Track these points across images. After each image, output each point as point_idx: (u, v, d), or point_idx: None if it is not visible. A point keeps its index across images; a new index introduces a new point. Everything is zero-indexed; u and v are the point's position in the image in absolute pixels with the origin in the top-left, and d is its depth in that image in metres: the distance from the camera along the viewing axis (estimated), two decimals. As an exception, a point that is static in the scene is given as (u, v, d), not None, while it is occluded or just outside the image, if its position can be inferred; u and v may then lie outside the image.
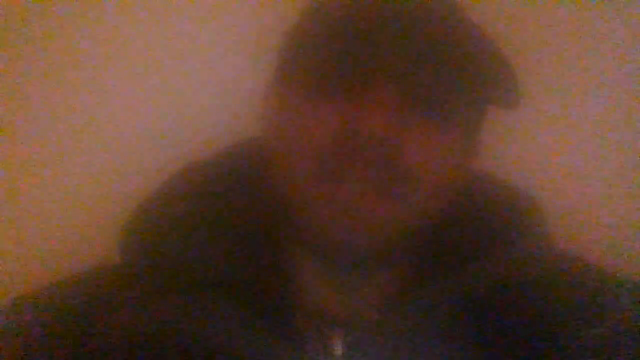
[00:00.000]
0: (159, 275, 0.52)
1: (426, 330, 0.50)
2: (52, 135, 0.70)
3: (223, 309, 0.50)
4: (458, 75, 0.51)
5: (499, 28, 0.58)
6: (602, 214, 0.70)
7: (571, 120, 0.71)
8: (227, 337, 0.49)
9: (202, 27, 0.71)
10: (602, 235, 0.68)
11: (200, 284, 0.51)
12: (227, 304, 0.50)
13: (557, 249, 0.57)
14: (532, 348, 0.50)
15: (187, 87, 0.71)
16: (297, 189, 0.50)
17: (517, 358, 0.50)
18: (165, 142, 0.70)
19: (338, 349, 0.50)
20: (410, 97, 0.49)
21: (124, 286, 0.53)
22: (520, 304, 0.51)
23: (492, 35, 0.54)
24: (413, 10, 0.51)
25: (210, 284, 0.51)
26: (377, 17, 0.50)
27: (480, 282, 0.51)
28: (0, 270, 0.68)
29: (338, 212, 0.49)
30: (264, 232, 0.54)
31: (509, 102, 0.54)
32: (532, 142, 0.71)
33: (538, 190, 0.59)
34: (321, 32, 0.52)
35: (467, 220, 0.55)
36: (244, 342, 0.49)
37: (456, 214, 0.55)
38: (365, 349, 0.50)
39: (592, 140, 0.71)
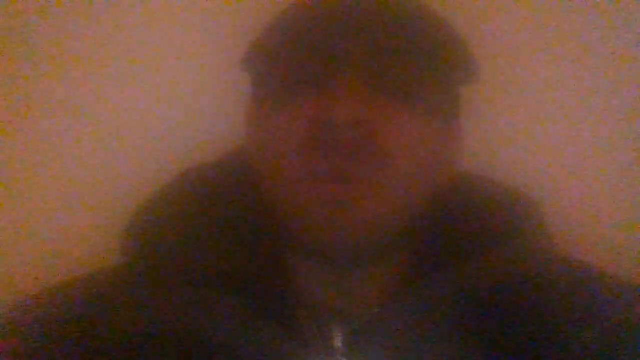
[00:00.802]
0: (160, 275, 0.52)
1: (425, 325, 0.50)
2: (52, 137, 0.70)
3: (223, 306, 0.50)
4: (421, 58, 0.52)
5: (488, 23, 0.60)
6: (601, 214, 0.70)
7: (571, 121, 0.71)
8: (227, 333, 0.49)
9: (203, 27, 0.71)
10: (602, 235, 0.68)
11: (200, 283, 0.51)
12: (227, 301, 0.50)
13: (557, 249, 0.57)
14: (531, 348, 0.50)
15: (187, 89, 0.71)
16: (282, 191, 0.51)
17: (516, 357, 0.50)
18: (166, 143, 0.70)
19: (338, 342, 0.51)
20: (378, 82, 0.50)
21: (125, 286, 0.53)
22: (520, 304, 0.52)
23: (453, 22, 0.56)
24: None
25: (210, 282, 0.51)
26: (339, 7, 0.52)
27: (479, 281, 0.51)
28: (1, 270, 0.68)
29: (325, 208, 0.49)
30: (262, 231, 0.54)
31: (469, 78, 0.57)
32: (532, 143, 0.71)
33: (537, 191, 0.59)
34: (287, 28, 0.54)
35: (467, 221, 0.55)
36: (244, 338, 0.49)
37: (456, 215, 0.55)
38: (365, 343, 0.50)
39: (592, 140, 0.71)
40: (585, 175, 0.70)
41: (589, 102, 0.71)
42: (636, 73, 0.70)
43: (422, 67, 0.52)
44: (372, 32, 0.51)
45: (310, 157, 0.49)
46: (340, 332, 0.51)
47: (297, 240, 0.52)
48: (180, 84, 0.71)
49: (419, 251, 0.54)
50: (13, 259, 0.68)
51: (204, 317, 0.50)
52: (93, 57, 0.71)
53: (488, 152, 0.68)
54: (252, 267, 0.52)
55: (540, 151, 0.71)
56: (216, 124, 0.67)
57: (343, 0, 0.53)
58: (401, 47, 0.51)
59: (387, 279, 0.53)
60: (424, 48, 0.52)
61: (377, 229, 0.50)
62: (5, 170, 0.70)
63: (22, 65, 0.70)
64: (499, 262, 0.52)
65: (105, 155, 0.71)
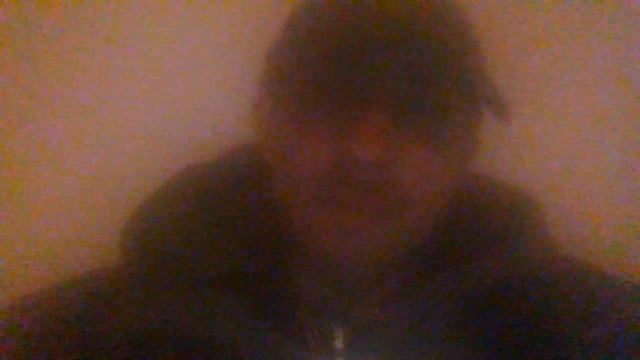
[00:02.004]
0: (160, 275, 0.52)
1: (426, 326, 0.50)
2: (52, 137, 0.70)
3: (224, 306, 0.50)
4: (449, 97, 0.50)
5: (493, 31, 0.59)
6: (601, 214, 0.70)
7: (571, 121, 0.71)
8: (229, 334, 0.49)
9: (203, 28, 0.71)
10: (602, 236, 0.69)
11: (201, 283, 0.51)
12: (228, 301, 0.50)
13: (557, 249, 0.57)
14: (532, 348, 0.50)
15: (187, 88, 0.71)
16: (295, 209, 0.51)
17: (517, 357, 0.50)
18: (166, 143, 0.70)
19: (338, 343, 0.51)
20: (403, 120, 0.49)
21: (125, 286, 0.53)
22: (521, 304, 0.52)
23: (483, 47, 0.54)
24: (404, 30, 0.50)
25: (211, 282, 0.51)
26: (367, 38, 0.49)
27: (480, 282, 0.51)
28: (1, 270, 0.68)
29: (336, 235, 0.49)
30: (264, 232, 0.54)
31: (501, 117, 0.53)
32: (533, 143, 0.71)
33: (538, 192, 0.59)
34: (311, 46, 0.51)
35: (468, 221, 0.55)
36: (245, 339, 0.49)
37: (457, 215, 0.55)
38: (366, 344, 0.50)
39: (592, 141, 0.71)
40: (585, 175, 0.70)
41: (589, 102, 0.71)
42: (636, 73, 0.70)
43: (450, 102, 0.50)
44: (404, 67, 0.48)
45: (328, 186, 0.49)
46: (341, 333, 0.51)
47: (303, 257, 0.52)
48: (180, 83, 0.71)
49: (423, 255, 0.54)
50: (13, 259, 0.68)
51: (205, 317, 0.50)
52: (92, 57, 0.70)
53: (488, 152, 0.68)
54: (252, 267, 0.52)
55: (541, 151, 0.71)
56: (216, 123, 0.67)
57: (373, 28, 0.49)
58: (431, 80, 0.49)
59: (387, 280, 0.53)
60: (455, 87, 0.50)
61: (387, 256, 0.51)
62: (5, 170, 0.70)
63: (22, 65, 0.70)
64: (500, 263, 0.52)
65: (105, 155, 0.70)
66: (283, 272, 0.53)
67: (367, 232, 0.49)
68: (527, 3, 0.71)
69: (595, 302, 0.52)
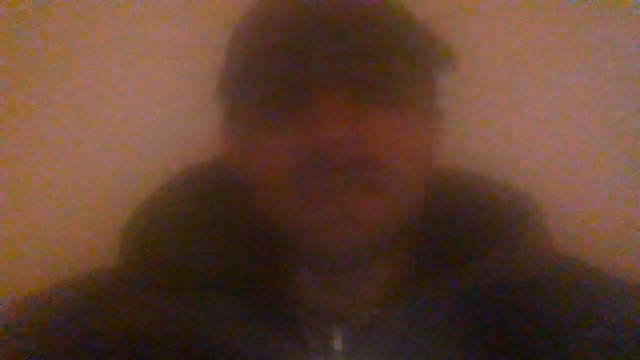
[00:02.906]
0: (159, 276, 0.52)
1: (425, 326, 0.50)
2: (51, 138, 0.70)
3: (223, 307, 0.50)
4: (399, 58, 0.51)
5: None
6: (601, 214, 0.70)
7: (571, 120, 0.71)
8: (227, 335, 0.49)
9: (204, 28, 0.71)
10: (602, 235, 0.68)
11: (200, 284, 0.51)
12: (226, 302, 0.50)
13: (556, 249, 0.57)
14: (531, 348, 0.50)
15: (187, 88, 0.71)
16: (278, 210, 0.51)
17: (516, 358, 0.50)
18: (165, 144, 0.70)
19: (337, 344, 0.51)
20: (361, 92, 0.50)
21: (123, 287, 0.53)
22: (520, 304, 0.52)
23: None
24: (344, 6, 0.51)
25: (210, 283, 0.51)
26: (309, 20, 0.50)
27: (479, 281, 0.51)
28: (0, 271, 0.68)
29: (323, 223, 0.49)
30: (262, 232, 0.54)
31: (449, 65, 0.55)
32: (532, 142, 0.71)
33: (537, 191, 0.59)
34: (258, 43, 0.52)
35: (467, 220, 0.55)
36: (243, 339, 0.49)
37: (455, 213, 0.55)
38: (365, 344, 0.50)
39: (591, 141, 0.71)
40: (585, 175, 0.70)
41: (589, 102, 0.71)
42: (636, 73, 0.70)
43: (402, 67, 0.51)
44: (348, 40, 0.50)
45: (303, 175, 0.49)
46: (340, 333, 0.51)
47: (296, 252, 0.52)
48: (180, 84, 0.71)
49: (419, 252, 0.54)
50: (12, 260, 0.68)
51: (204, 318, 0.50)
52: (92, 56, 0.71)
53: (488, 152, 0.68)
54: (251, 268, 0.52)
55: (540, 151, 0.71)
56: (215, 125, 0.67)
57: (314, 10, 0.51)
58: (378, 50, 0.50)
59: (386, 280, 0.53)
60: (400, 47, 0.52)
61: (376, 234, 0.50)
62: (4, 171, 0.70)
63: (22, 65, 0.70)
64: (499, 263, 0.52)
65: (104, 156, 0.70)
66: (282, 272, 0.53)
67: (353, 212, 0.48)
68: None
69: (594, 302, 0.52)
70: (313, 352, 0.50)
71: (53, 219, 0.70)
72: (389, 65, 0.51)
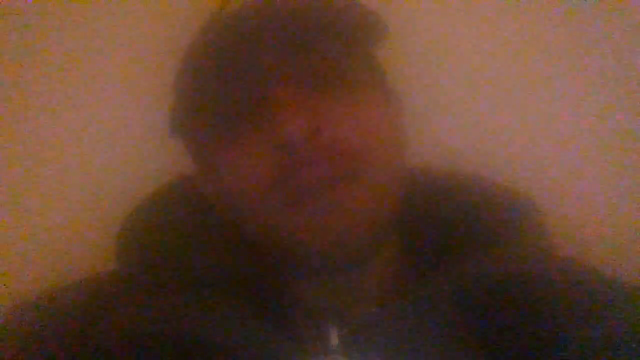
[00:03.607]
0: (157, 278, 0.52)
1: (423, 325, 0.50)
2: (47, 142, 0.70)
3: (220, 308, 0.50)
4: (336, 39, 0.52)
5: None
6: (601, 214, 0.70)
7: (570, 120, 0.71)
8: (224, 335, 0.49)
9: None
10: (602, 235, 0.68)
11: (196, 286, 0.51)
12: (223, 302, 0.50)
13: (556, 249, 0.57)
14: (530, 348, 0.50)
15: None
16: (262, 219, 0.51)
17: (515, 358, 0.50)
18: (164, 147, 0.70)
19: (335, 342, 0.51)
20: (311, 80, 0.50)
21: (121, 290, 0.53)
22: (519, 304, 0.52)
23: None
24: (284, 8, 0.52)
25: (206, 284, 0.51)
26: (246, 27, 0.51)
27: (477, 280, 0.51)
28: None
29: (310, 221, 0.49)
30: (254, 229, 0.54)
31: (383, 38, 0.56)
32: (531, 143, 0.71)
33: (536, 191, 0.59)
34: (201, 68, 0.53)
35: (465, 219, 0.55)
36: (240, 338, 0.49)
37: (454, 213, 0.55)
38: (362, 342, 0.50)
39: (591, 141, 0.71)
40: (585, 175, 0.70)
41: (589, 102, 0.71)
42: (636, 73, 0.70)
43: (341, 48, 0.52)
44: (286, 34, 0.51)
45: (280, 180, 0.49)
46: (337, 331, 0.51)
47: (288, 257, 0.52)
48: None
49: (417, 250, 0.54)
50: (10, 264, 0.68)
51: (201, 318, 0.50)
52: (92, 57, 0.71)
53: (487, 152, 0.68)
54: (247, 268, 0.52)
55: (539, 151, 0.71)
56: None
57: (249, 17, 0.52)
58: (316, 37, 0.51)
59: (384, 278, 0.53)
60: (333, 30, 0.52)
61: (365, 223, 0.50)
62: (1, 173, 0.70)
63: (22, 65, 0.70)
64: (498, 262, 0.52)
65: (102, 159, 0.70)
66: (278, 272, 0.53)
67: (337, 204, 0.49)
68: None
69: (594, 302, 0.52)
70: (310, 350, 0.50)
71: (50, 224, 0.70)
72: (330, 50, 0.51)
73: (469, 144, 0.69)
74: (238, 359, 0.48)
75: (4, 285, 0.66)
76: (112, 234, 0.55)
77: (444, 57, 0.69)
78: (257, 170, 0.50)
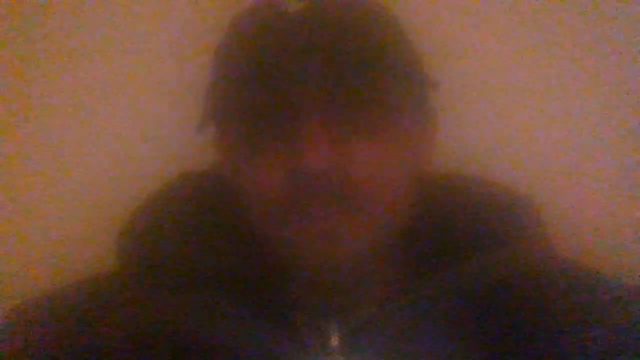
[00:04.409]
0: (158, 278, 0.52)
1: (423, 325, 0.50)
2: (48, 142, 0.70)
3: (220, 308, 0.50)
4: (381, 89, 0.50)
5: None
6: (601, 215, 0.70)
7: (570, 121, 0.71)
8: (225, 335, 0.50)
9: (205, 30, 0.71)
10: (602, 235, 0.68)
11: (197, 286, 0.51)
12: (224, 302, 0.50)
13: (556, 250, 0.57)
14: (530, 348, 0.50)
15: (187, 90, 0.71)
16: (265, 226, 0.51)
17: (515, 358, 0.50)
18: (164, 147, 0.70)
19: (335, 342, 0.51)
20: (344, 122, 0.49)
21: (122, 290, 0.53)
22: (518, 304, 0.52)
23: (405, 32, 0.55)
24: (318, 32, 0.49)
25: (207, 285, 0.51)
26: (291, 49, 0.49)
27: (477, 281, 0.51)
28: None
29: (306, 242, 0.49)
30: (256, 237, 0.54)
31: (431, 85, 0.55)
32: (531, 143, 0.71)
33: (536, 192, 0.59)
34: (239, 68, 0.51)
35: (465, 220, 0.56)
36: (241, 339, 0.49)
37: (454, 214, 0.55)
38: (362, 342, 0.50)
39: (591, 141, 0.71)
40: (585, 175, 0.70)
41: (588, 102, 0.71)
42: (636, 73, 0.70)
43: (385, 95, 0.51)
44: (331, 65, 0.48)
45: (288, 197, 0.49)
46: (337, 331, 0.51)
47: (294, 270, 0.52)
48: (180, 86, 0.71)
49: (417, 251, 0.54)
50: (10, 264, 0.68)
51: (202, 318, 0.50)
52: (92, 58, 0.71)
53: (487, 153, 0.68)
54: (249, 268, 0.52)
55: (539, 152, 0.71)
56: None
57: (296, 30, 0.50)
58: (362, 78, 0.49)
59: (385, 278, 0.53)
60: (383, 74, 0.50)
61: (358, 253, 0.50)
62: (1, 175, 0.70)
63: (22, 66, 0.70)
64: (498, 263, 0.52)
65: (102, 159, 0.70)
66: (278, 272, 0.53)
67: (340, 236, 0.49)
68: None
69: (594, 302, 0.52)
70: (311, 350, 0.50)
71: (50, 224, 0.70)
72: (372, 93, 0.50)
73: (468, 145, 0.69)
74: (238, 359, 0.48)
75: (4, 285, 0.66)
76: (112, 234, 0.55)
77: (443, 57, 0.69)
78: (272, 180, 0.50)
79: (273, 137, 0.50)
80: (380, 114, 0.50)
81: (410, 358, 0.49)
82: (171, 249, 0.53)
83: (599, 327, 0.51)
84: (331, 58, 0.49)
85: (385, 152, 0.50)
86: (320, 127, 0.49)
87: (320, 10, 0.50)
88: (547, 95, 0.71)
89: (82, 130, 0.70)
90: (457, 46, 0.70)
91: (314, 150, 0.48)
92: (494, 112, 0.71)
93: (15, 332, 0.53)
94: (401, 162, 0.52)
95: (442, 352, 0.50)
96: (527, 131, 0.70)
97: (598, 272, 0.56)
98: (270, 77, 0.49)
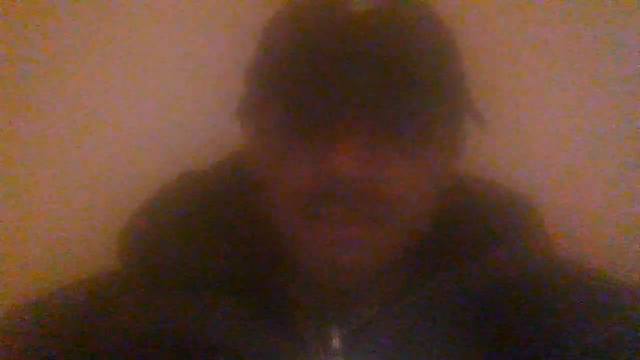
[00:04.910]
0: (159, 278, 0.52)
1: (424, 326, 0.50)
2: (49, 142, 0.70)
3: (222, 308, 0.50)
4: (424, 108, 0.49)
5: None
6: (601, 215, 0.70)
7: (570, 121, 0.71)
8: (226, 335, 0.50)
9: (206, 30, 0.71)
10: (602, 235, 0.69)
11: (199, 286, 0.51)
12: (225, 303, 0.50)
13: (556, 250, 0.57)
14: (530, 348, 0.50)
15: (187, 91, 0.71)
16: (283, 224, 0.51)
17: (516, 358, 0.50)
18: (165, 147, 0.70)
19: (336, 343, 0.51)
20: (381, 133, 0.49)
21: (123, 290, 0.53)
22: (519, 305, 0.52)
23: (461, 48, 0.53)
24: (376, 40, 0.49)
25: (209, 285, 0.51)
26: (338, 55, 0.48)
27: (478, 282, 0.51)
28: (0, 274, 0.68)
29: (324, 248, 0.49)
30: (261, 235, 0.54)
31: (478, 122, 0.53)
32: (531, 144, 0.71)
33: (536, 192, 0.59)
34: (284, 65, 0.50)
35: (466, 221, 0.56)
36: (243, 339, 0.49)
37: (455, 215, 0.55)
38: (364, 343, 0.50)
39: (591, 142, 0.71)
40: (585, 176, 0.70)
41: (589, 103, 0.71)
42: (636, 73, 0.70)
43: (428, 116, 0.50)
44: (378, 78, 0.47)
45: (314, 203, 0.49)
46: (338, 332, 0.51)
47: (297, 271, 0.52)
48: (180, 87, 0.71)
49: (419, 252, 0.54)
50: (11, 264, 0.68)
51: (203, 318, 0.50)
52: (92, 59, 0.71)
53: (487, 154, 0.68)
54: (249, 269, 0.52)
55: (539, 152, 0.71)
56: (215, 129, 0.67)
57: (344, 44, 0.48)
58: (407, 94, 0.48)
59: (386, 279, 0.53)
60: (431, 92, 0.49)
61: (378, 262, 0.51)
62: (3, 176, 0.70)
63: (22, 66, 0.70)
64: (498, 264, 0.52)
65: (103, 159, 0.70)
66: (280, 273, 0.53)
67: (355, 244, 0.49)
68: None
69: (594, 303, 0.52)
70: (312, 351, 0.50)
71: (51, 223, 0.70)
72: (412, 108, 0.49)
73: (468, 145, 0.69)
74: None
75: (4, 285, 0.66)
76: (113, 234, 0.55)
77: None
78: (298, 183, 0.49)
79: (309, 134, 0.49)
80: (419, 132, 0.50)
81: (411, 359, 0.49)
82: (172, 249, 0.53)
83: (599, 327, 0.51)
84: (384, 68, 0.47)
85: (415, 169, 0.50)
86: (357, 133, 0.48)
87: (384, 17, 0.49)
88: (547, 95, 0.71)
89: (83, 130, 0.70)
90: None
91: (347, 155, 0.47)
92: (492, 113, 0.71)
93: (15, 332, 0.53)
94: (429, 180, 0.51)
95: (443, 353, 0.50)
96: (527, 131, 0.71)
97: (598, 272, 0.56)
98: (318, 72, 0.48)
